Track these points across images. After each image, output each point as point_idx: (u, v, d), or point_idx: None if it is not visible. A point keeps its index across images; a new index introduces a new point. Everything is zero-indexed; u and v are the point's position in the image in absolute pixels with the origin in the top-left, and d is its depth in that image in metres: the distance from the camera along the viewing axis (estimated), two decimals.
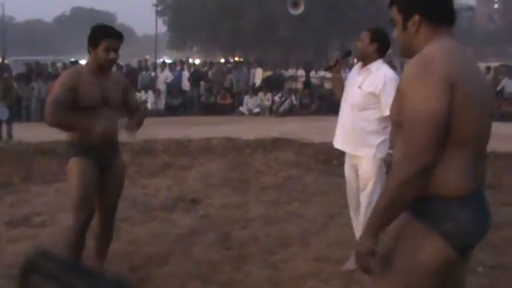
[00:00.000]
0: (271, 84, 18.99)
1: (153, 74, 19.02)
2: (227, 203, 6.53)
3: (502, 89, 17.80)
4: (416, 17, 2.30)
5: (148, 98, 17.85)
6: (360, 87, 4.32)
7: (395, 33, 2.43)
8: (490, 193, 6.88)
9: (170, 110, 17.86)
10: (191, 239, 5.17)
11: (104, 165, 4.00)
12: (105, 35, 3.88)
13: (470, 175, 2.22)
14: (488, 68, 19.29)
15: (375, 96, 4.24)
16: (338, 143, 4.56)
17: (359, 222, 4.42)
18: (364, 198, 4.38)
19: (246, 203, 6.51)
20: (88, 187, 3.85)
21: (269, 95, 18.52)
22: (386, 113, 3.83)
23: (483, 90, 2.27)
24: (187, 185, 7.37)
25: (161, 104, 18.07)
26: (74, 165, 3.87)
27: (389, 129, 4.03)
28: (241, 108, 18.48)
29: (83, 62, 21.32)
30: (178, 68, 19.91)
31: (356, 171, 4.45)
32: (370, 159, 4.30)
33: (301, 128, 13.73)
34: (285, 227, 5.59)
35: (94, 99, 3.88)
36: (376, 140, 4.30)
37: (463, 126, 2.14)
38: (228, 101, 18.75)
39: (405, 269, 2.26)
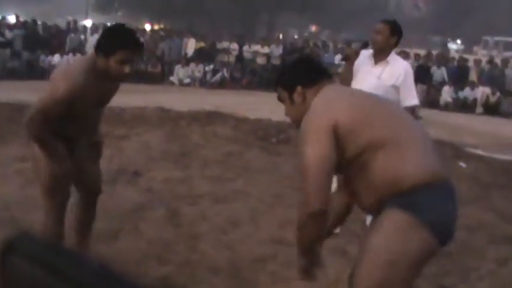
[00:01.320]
0: (204, 56, 18.73)
1: (82, 36, 18.31)
2: (170, 177, 6.37)
3: (431, 76, 18.16)
4: (299, 88, 2.59)
5: None
6: (379, 78, 4.38)
7: (285, 110, 2.69)
8: None
9: None
10: (139, 215, 5.01)
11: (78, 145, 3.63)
12: (123, 44, 3.22)
13: (435, 163, 2.40)
14: (418, 55, 19.69)
15: (395, 89, 4.36)
16: None
17: None
18: None
19: (190, 178, 6.37)
20: (65, 167, 3.45)
21: (201, 66, 18.26)
22: (402, 103, 4.24)
23: (376, 100, 2.65)
24: (127, 156, 7.14)
25: None
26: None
27: None
28: (171, 78, 18.12)
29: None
30: None
31: None
32: None
33: (233, 102, 13.59)
34: (233, 205, 5.51)
35: (88, 108, 3.42)
36: None
37: (374, 133, 2.39)
38: (159, 69, 18.36)
39: (393, 259, 2.31)
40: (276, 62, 19.30)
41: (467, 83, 16.81)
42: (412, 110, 4.40)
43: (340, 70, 4.96)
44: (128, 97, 13.10)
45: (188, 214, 5.18)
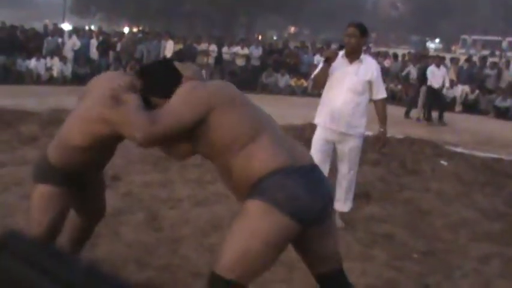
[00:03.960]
0: (183, 58, 18.61)
1: (60, 40, 18.12)
2: (150, 180, 6.28)
3: (407, 74, 18.27)
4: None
5: (53, 65, 17.02)
6: (357, 74, 5.02)
7: None
8: (412, 179, 7.10)
9: (77, 79, 17.09)
10: (118, 219, 4.90)
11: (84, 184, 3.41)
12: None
13: (281, 153, 2.53)
14: (396, 55, 19.84)
15: (368, 83, 5.06)
16: (328, 123, 5.11)
17: (342, 191, 5.23)
18: (350, 171, 5.19)
19: (170, 181, 6.28)
20: (57, 228, 3.26)
21: None
22: (375, 97, 5.14)
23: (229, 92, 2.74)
24: None
25: (68, 72, 17.28)
26: (47, 198, 3.17)
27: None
28: None
29: None
30: (86, 35, 19.10)
31: (332, 147, 5.19)
32: (358, 138, 5.12)
33: None
34: (214, 208, 5.42)
35: None
36: (364, 120, 5.11)
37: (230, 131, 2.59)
38: None
39: (247, 241, 2.45)
40: (256, 63, 19.26)
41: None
42: (383, 101, 5.21)
43: (316, 71, 5.28)
44: None
45: (168, 217, 5.09)
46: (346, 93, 5.01)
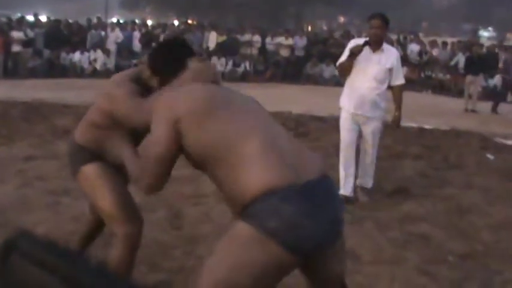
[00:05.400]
0: (226, 49, 18.45)
1: (103, 33, 18.21)
2: (176, 175, 6.03)
3: (457, 64, 17.72)
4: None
5: (97, 59, 17.09)
6: (379, 63, 5.46)
7: None
8: (455, 174, 6.71)
9: (120, 71, 17.11)
10: None
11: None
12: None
13: (280, 167, 2.13)
14: (445, 43, 19.25)
15: (389, 70, 5.53)
16: (354, 108, 5.58)
17: (364, 168, 5.76)
18: (373, 149, 5.69)
19: (197, 176, 6.05)
20: (125, 193, 3.28)
21: (223, 59, 17.99)
22: (393, 83, 5.62)
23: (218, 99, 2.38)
24: None
25: (111, 64, 17.35)
26: (95, 172, 3.15)
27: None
28: None
29: (29, 17, 20.31)
30: (129, 28, 19.14)
31: (359, 127, 5.64)
32: (380, 120, 5.64)
33: (254, 96, 13.22)
34: None
35: None
36: (384, 104, 5.62)
37: (215, 140, 2.24)
38: None
39: (230, 270, 2.10)
40: (300, 53, 18.94)
41: (498, 71, 16.27)
42: (401, 87, 5.70)
43: (341, 60, 5.71)
44: None
45: (191, 215, 4.89)
46: (371, 81, 5.48)
